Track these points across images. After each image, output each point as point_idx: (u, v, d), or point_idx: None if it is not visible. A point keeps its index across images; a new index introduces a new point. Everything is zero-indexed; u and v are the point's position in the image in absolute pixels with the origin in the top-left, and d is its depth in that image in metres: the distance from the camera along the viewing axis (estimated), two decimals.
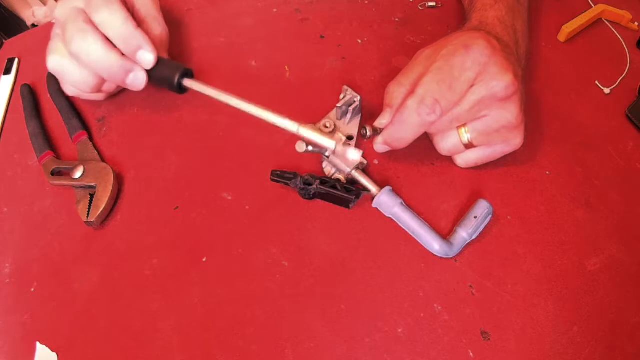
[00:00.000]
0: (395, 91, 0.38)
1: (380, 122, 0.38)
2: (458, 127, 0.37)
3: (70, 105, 0.46)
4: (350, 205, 0.39)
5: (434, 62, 0.36)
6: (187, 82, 0.41)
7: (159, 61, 0.41)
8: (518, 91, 0.35)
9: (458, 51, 0.35)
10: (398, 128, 0.36)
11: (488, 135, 0.37)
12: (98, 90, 0.43)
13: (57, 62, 0.39)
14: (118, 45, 0.39)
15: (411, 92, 0.36)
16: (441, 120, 0.36)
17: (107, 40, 0.38)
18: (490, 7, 0.43)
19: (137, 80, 0.40)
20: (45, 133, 0.45)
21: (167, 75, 0.41)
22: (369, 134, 0.39)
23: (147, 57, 0.40)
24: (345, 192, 0.39)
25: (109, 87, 0.44)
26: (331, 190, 0.39)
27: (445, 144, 0.38)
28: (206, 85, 0.40)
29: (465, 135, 0.37)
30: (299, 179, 0.39)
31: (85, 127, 0.45)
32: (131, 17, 0.39)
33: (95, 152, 0.43)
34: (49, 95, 0.48)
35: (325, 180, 0.40)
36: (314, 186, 0.39)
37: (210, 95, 0.39)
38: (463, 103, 0.35)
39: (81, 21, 0.38)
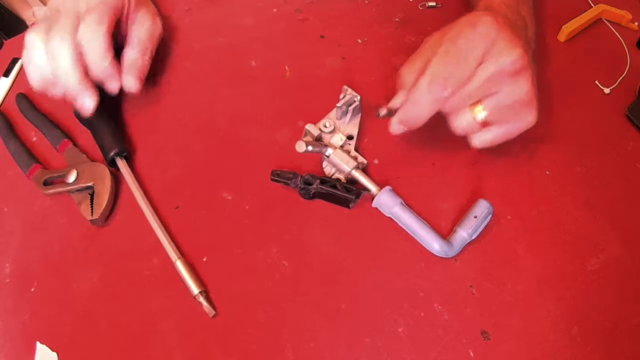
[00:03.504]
0: (408, 73, 0.38)
1: (394, 103, 0.38)
2: (471, 105, 0.37)
3: (47, 119, 0.46)
4: (351, 205, 0.39)
5: (443, 43, 0.36)
6: (120, 164, 0.42)
7: (107, 125, 0.43)
8: (528, 66, 0.35)
9: (465, 29, 0.35)
10: (412, 107, 0.37)
11: (501, 111, 0.36)
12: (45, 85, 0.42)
13: (32, 41, 0.40)
14: (88, 64, 0.40)
15: (422, 71, 0.36)
16: (454, 97, 0.36)
17: (80, 53, 0.39)
18: None
19: (84, 108, 0.41)
20: (27, 150, 0.44)
21: (103, 147, 0.42)
22: (383, 113, 0.39)
23: (112, 87, 0.42)
24: (346, 192, 0.39)
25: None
26: (331, 190, 0.39)
27: (460, 122, 0.38)
28: (133, 181, 0.41)
29: (481, 113, 0.37)
30: (299, 178, 0.39)
31: (68, 135, 0.45)
32: (110, 47, 0.40)
33: (84, 155, 0.43)
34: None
35: (325, 180, 0.40)
36: (314, 186, 0.39)
37: (133, 193, 0.41)
38: (474, 80, 0.35)
39: (68, 27, 0.39)
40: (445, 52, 0.35)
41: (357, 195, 0.39)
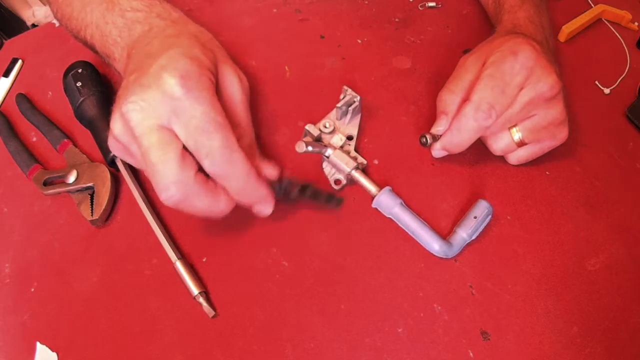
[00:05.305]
0: (448, 98, 0.39)
1: (437, 130, 0.40)
2: (509, 128, 0.39)
3: (47, 119, 0.46)
4: (338, 205, 0.39)
5: (485, 69, 0.37)
6: (120, 164, 0.41)
7: (107, 126, 0.40)
8: (561, 89, 0.37)
9: (507, 57, 0.37)
10: (457, 134, 0.38)
11: (537, 133, 0.38)
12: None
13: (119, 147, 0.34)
14: (233, 195, 0.33)
15: (465, 99, 0.38)
16: (495, 123, 0.37)
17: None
18: (519, 7, 0.45)
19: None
20: (27, 150, 0.44)
21: (103, 147, 0.41)
22: (429, 142, 0.40)
23: (265, 211, 0.36)
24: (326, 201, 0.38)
25: None
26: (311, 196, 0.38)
27: (499, 144, 0.39)
28: (133, 181, 0.40)
29: (517, 134, 0.38)
30: (278, 185, 0.37)
31: (68, 135, 0.45)
32: (251, 165, 0.33)
33: (84, 156, 0.43)
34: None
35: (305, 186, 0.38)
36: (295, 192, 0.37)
37: (133, 193, 0.40)
38: (514, 105, 0.37)
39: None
40: (490, 76, 0.37)
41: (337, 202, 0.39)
